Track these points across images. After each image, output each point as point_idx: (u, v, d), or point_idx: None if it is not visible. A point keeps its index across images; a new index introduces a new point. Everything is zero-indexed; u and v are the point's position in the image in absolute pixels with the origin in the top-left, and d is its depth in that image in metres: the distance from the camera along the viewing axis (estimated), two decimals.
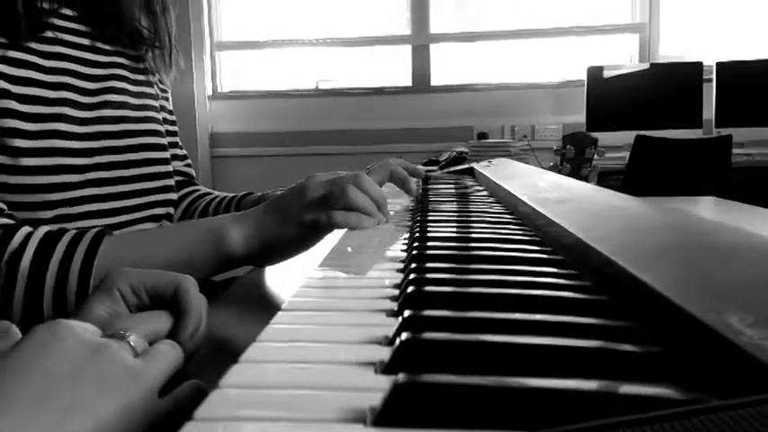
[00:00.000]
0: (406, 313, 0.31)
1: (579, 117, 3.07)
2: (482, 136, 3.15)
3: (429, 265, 0.43)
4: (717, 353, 0.23)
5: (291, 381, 0.25)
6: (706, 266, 0.33)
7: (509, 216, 0.66)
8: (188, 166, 1.02)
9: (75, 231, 0.61)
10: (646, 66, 3.12)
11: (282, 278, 0.69)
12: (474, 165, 1.28)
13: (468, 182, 1.15)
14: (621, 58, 3.35)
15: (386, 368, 0.26)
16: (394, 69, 3.44)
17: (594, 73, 3.04)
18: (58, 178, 0.71)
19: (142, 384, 0.31)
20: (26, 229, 0.61)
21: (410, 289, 0.35)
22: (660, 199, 1.23)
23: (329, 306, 0.36)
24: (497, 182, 0.84)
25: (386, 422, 0.21)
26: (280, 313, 0.34)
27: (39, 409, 0.27)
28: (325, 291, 0.41)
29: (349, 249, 0.54)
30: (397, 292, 0.38)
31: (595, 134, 1.69)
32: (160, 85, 0.96)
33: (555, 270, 0.41)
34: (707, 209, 1.21)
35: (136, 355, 0.33)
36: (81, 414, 0.28)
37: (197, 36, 3.33)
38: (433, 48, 3.41)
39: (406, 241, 0.55)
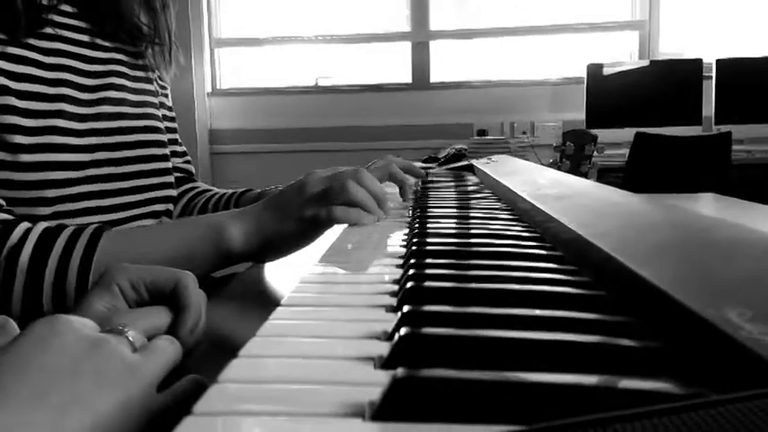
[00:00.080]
0: (405, 308, 0.31)
1: (579, 114, 3.07)
2: (482, 133, 3.15)
3: (428, 260, 0.43)
4: (716, 348, 0.23)
5: (290, 375, 0.25)
6: (705, 262, 0.33)
7: (508, 212, 0.66)
8: (187, 162, 1.02)
9: (74, 227, 0.61)
10: (645, 63, 3.11)
11: (282, 274, 0.69)
12: (474, 161, 1.28)
13: (468, 178, 1.15)
14: (621, 55, 3.35)
15: (385, 363, 0.26)
16: (393, 66, 3.44)
17: (594, 70, 3.04)
18: (57, 174, 0.71)
19: (141, 379, 0.31)
20: (25, 225, 0.61)
21: (409, 284, 0.35)
22: (660, 196, 1.23)
23: (328, 301, 0.36)
24: (497, 178, 0.84)
25: (385, 416, 0.21)
26: (279, 308, 0.34)
27: (37, 404, 0.27)
28: (325, 286, 0.41)
29: (348, 246, 0.54)
30: (396, 287, 0.38)
31: (595, 131, 1.69)
32: (159, 82, 0.96)
33: (554, 266, 0.41)
34: (706, 205, 1.21)
35: (134, 351, 0.33)
36: (80, 409, 0.28)
37: (196, 33, 3.33)
38: (433, 45, 3.40)
39: (406, 237, 0.55)
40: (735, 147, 2.63)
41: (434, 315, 0.31)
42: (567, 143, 1.58)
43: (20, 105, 0.69)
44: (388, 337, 0.29)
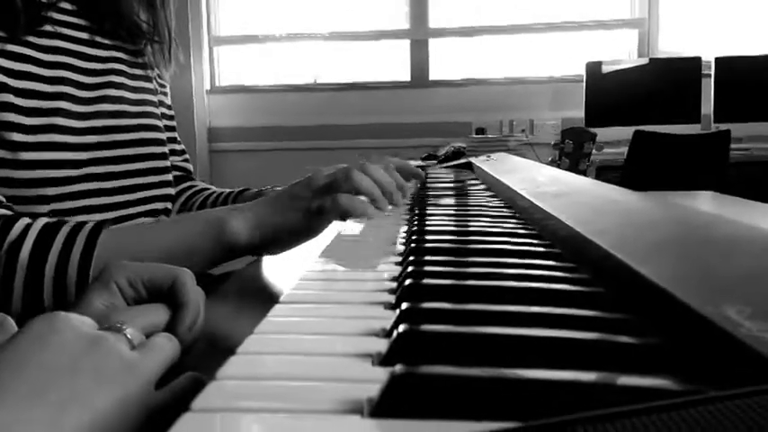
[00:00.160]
0: (404, 305, 0.31)
1: (578, 112, 3.06)
2: (480, 131, 3.15)
3: (427, 258, 0.43)
4: (715, 345, 0.23)
5: (289, 372, 0.25)
6: (704, 259, 0.33)
7: (507, 210, 0.66)
8: (186, 161, 1.02)
9: (73, 223, 0.61)
10: (644, 61, 3.11)
11: (280, 271, 0.69)
12: (472, 159, 1.28)
13: (467, 176, 1.15)
14: (620, 53, 3.34)
15: (383, 360, 0.26)
16: (392, 64, 3.44)
17: (593, 68, 3.04)
18: (56, 173, 0.71)
19: (139, 377, 0.31)
20: (25, 220, 0.61)
21: (408, 281, 0.35)
22: (658, 193, 1.23)
23: (327, 299, 0.36)
24: (496, 176, 0.84)
25: (383, 413, 0.21)
26: (277, 305, 0.34)
27: (35, 401, 0.27)
28: (324, 283, 0.41)
29: (347, 243, 0.54)
30: (395, 284, 0.38)
31: (594, 129, 1.69)
32: (159, 81, 0.95)
33: (553, 263, 0.41)
34: (705, 203, 1.21)
35: (133, 348, 0.33)
36: (78, 406, 0.28)
37: (195, 30, 3.32)
38: (432, 42, 3.40)
39: (405, 234, 0.55)
40: (733, 145, 2.63)
41: (433, 312, 0.31)
42: (566, 141, 1.58)
43: (19, 103, 0.68)
44: (387, 334, 0.29)
